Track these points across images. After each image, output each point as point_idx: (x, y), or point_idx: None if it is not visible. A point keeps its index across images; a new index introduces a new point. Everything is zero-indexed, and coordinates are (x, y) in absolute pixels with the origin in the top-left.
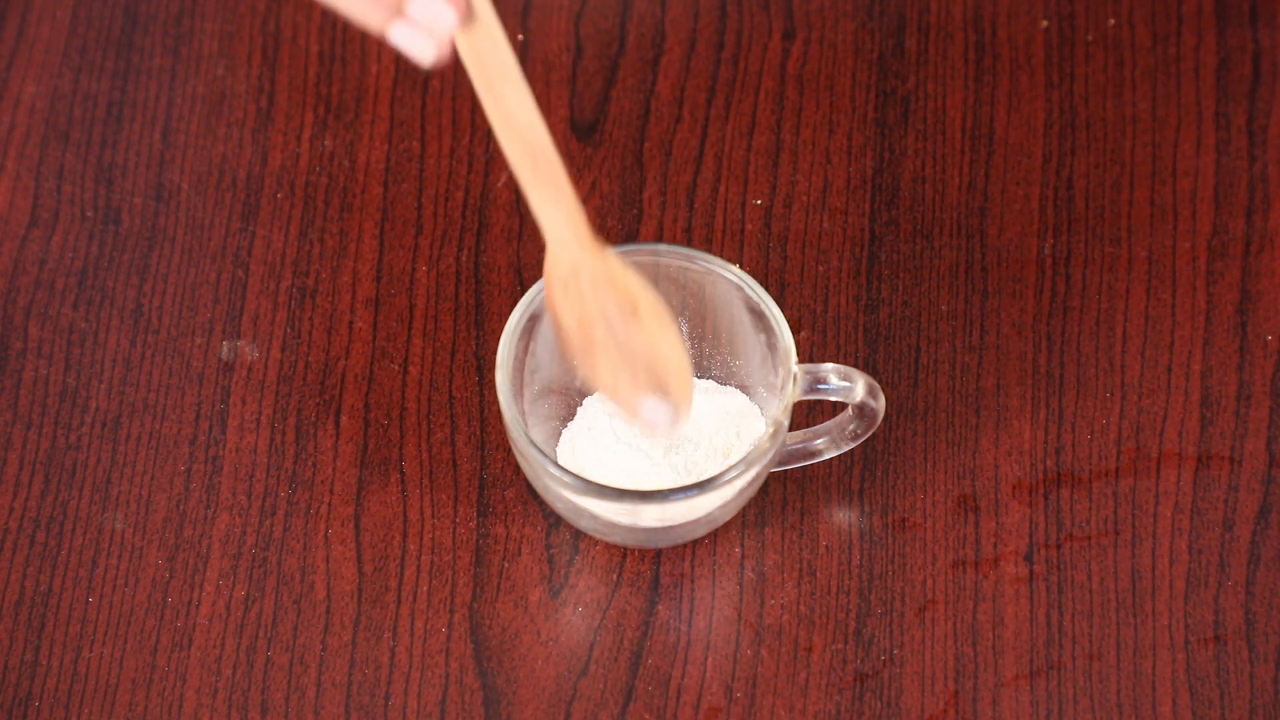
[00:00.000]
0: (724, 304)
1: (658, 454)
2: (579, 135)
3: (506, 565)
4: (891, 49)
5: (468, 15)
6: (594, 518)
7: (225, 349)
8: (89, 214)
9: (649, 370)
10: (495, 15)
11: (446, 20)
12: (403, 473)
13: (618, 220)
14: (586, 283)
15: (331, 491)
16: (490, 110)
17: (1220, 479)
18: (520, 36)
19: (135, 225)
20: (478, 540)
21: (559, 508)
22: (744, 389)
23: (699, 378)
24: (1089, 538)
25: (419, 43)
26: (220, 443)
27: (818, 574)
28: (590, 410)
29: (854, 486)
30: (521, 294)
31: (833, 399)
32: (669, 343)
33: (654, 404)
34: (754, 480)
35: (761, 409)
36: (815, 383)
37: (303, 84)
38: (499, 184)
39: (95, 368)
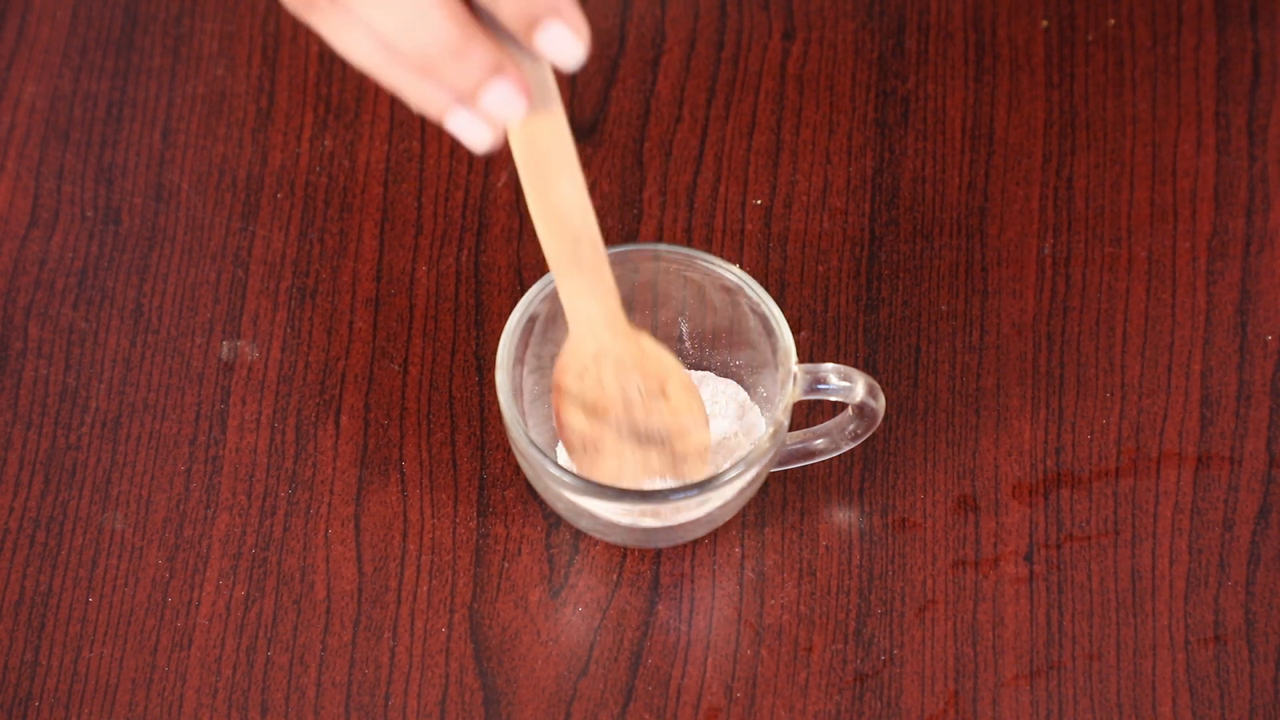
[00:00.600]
0: (724, 304)
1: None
2: (579, 135)
3: (506, 565)
4: (891, 49)
5: (536, 105)
6: (594, 518)
7: (225, 349)
8: (89, 214)
9: (664, 448)
10: (562, 105)
11: (517, 111)
12: (403, 473)
13: (618, 220)
14: (610, 367)
15: (331, 491)
16: (533, 197)
17: (1220, 479)
18: None
19: (135, 225)
20: (478, 540)
21: (559, 508)
22: (744, 389)
23: (698, 371)
24: (1089, 538)
25: (478, 131)
26: (220, 443)
27: (818, 574)
28: None
29: (854, 486)
30: (521, 294)
31: (833, 399)
32: (694, 417)
33: (660, 484)
34: (754, 480)
35: (761, 409)
36: (815, 383)
37: (303, 84)
38: (499, 184)
39: (95, 368)
